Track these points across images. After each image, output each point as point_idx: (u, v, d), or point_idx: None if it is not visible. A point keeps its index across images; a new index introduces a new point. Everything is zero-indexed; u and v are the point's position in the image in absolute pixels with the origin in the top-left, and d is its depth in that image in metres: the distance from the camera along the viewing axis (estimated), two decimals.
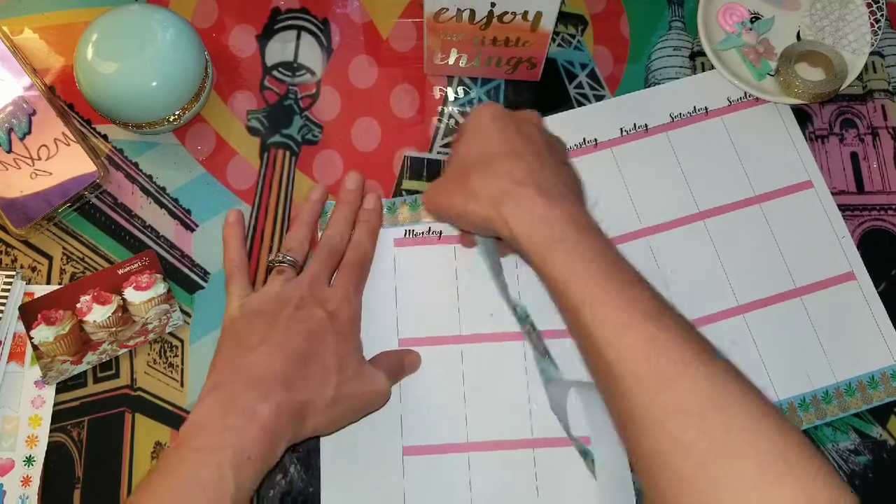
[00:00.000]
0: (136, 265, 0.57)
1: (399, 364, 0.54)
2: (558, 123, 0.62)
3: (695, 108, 0.63)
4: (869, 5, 0.63)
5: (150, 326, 0.57)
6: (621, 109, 0.63)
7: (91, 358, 0.56)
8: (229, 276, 0.54)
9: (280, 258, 0.54)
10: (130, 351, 0.57)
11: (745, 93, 0.63)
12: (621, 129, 0.62)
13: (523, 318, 0.56)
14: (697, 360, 0.39)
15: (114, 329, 0.56)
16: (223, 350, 0.50)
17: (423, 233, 0.59)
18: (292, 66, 0.64)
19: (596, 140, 0.62)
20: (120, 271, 0.57)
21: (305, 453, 0.55)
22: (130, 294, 0.57)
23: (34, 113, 0.60)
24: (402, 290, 0.58)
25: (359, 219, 0.57)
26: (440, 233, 0.59)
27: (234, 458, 0.42)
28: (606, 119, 0.62)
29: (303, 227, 0.56)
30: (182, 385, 0.56)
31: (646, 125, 0.62)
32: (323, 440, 0.54)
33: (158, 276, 0.57)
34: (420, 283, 0.58)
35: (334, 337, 0.49)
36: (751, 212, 0.59)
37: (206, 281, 0.59)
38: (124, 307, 0.57)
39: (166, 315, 0.57)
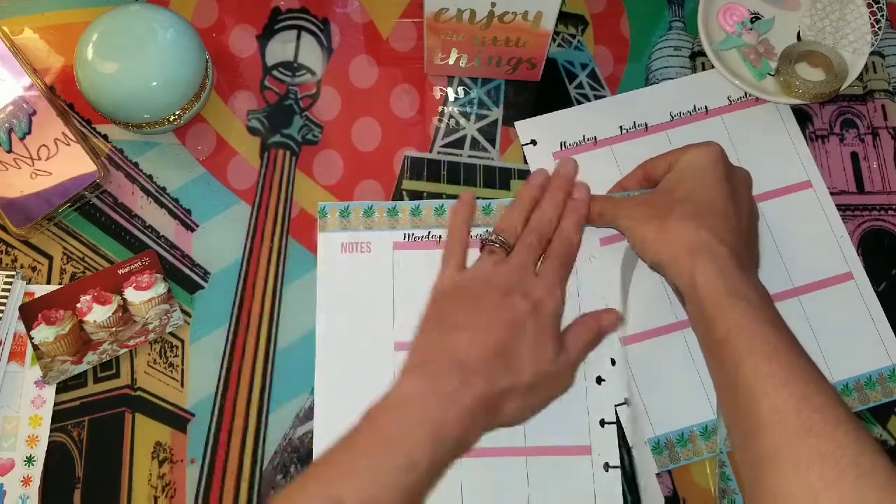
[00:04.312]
0: (136, 265, 0.57)
1: (596, 332, 0.53)
2: (558, 121, 0.62)
3: (695, 107, 0.63)
4: (869, 6, 0.63)
5: (150, 326, 0.57)
6: (621, 107, 0.63)
7: (91, 358, 0.56)
8: (450, 247, 0.54)
9: (493, 237, 0.53)
10: (130, 351, 0.57)
11: (745, 92, 0.63)
12: (621, 127, 0.62)
13: None
14: (847, 422, 0.41)
15: (114, 329, 0.56)
16: (429, 324, 0.50)
17: (422, 236, 0.59)
18: (292, 66, 0.64)
19: (595, 138, 0.62)
20: (120, 271, 0.57)
21: (306, 453, 0.55)
22: (131, 294, 0.57)
23: (34, 113, 0.60)
24: (399, 293, 0.58)
25: (567, 208, 0.55)
26: (440, 237, 0.59)
27: (433, 435, 0.44)
28: (606, 117, 0.62)
29: (520, 210, 0.55)
30: (182, 385, 0.57)
31: (645, 124, 0.62)
32: (316, 444, 0.54)
33: (159, 276, 0.57)
34: (418, 287, 0.57)
35: (535, 331, 0.49)
36: None
37: (206, 281, 0.59)
38: (124, 307, 0.57)
39: (167, 315, 0.57)
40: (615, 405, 0.55)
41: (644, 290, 0.58)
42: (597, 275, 0.58)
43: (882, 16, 0.63)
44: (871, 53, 0.63)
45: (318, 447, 0.54)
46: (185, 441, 0.55)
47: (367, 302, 0.57)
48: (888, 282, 0.59)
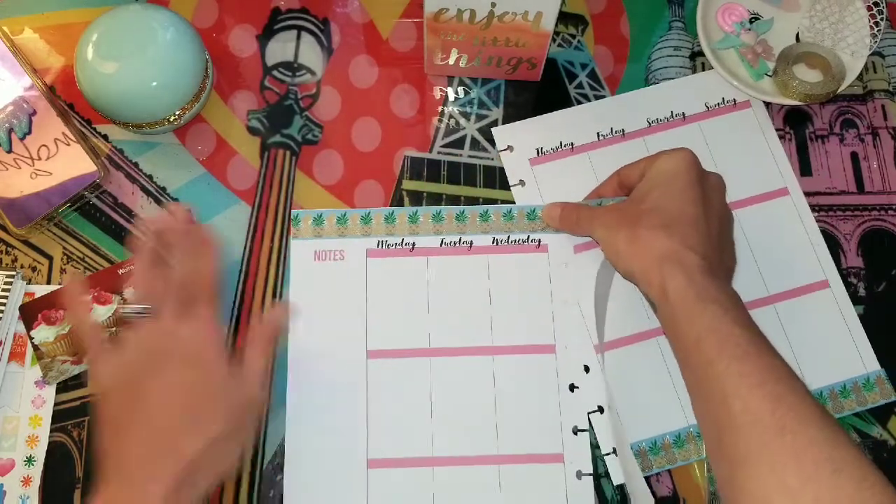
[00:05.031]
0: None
1: (267, 339, 0.49)
2: (535, 127, 0.62)
3: (672, 113, 0.62)
4: (869, 8, 0.63)
5: None
6: (599, 114, 0.62)
7: None
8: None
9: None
10: None
11: (723, 98, 0.63)
12: (598, 133, 0.62)
13: None
14: (820, 422, 0.41)
15: (114, 329, 0.56)
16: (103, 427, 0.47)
17: (395, 244, 0.59)
18: (292, 66, 0.64)
19: (573, 144, 0.62)
20: (120, 271, 0.57)
21: None
22: (131, 294, 0.57)
23: (34, 113, 0.60)
24: (372, 302, 0.57)
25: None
26: (413, 244, 0.59)
27: None
28: (584, 123, 0.62)
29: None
30: None
31: (623, 130, 0.62)
32: (287, 449, 0.54)
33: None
34: (391, 296, 0.57)
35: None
36: None
37: None
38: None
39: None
40: (588, 413, 0.55)
41: (620, 297, 0.58)
42: (570, 280, 0.58)
43: (882, 18, 0.63)
44: (872, 54, 0.63)
45: (290, 453, 0.54)
46: None
47: (339, 310, 0.57)
48: (888, 282, 0.59)
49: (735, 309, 0.46)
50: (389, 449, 0.54)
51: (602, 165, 0.60)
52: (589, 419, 0.55)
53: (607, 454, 0.54)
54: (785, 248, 0.59)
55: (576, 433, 0.55)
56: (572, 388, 0.55)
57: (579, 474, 0.54)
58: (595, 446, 0.55)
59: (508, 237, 0.59)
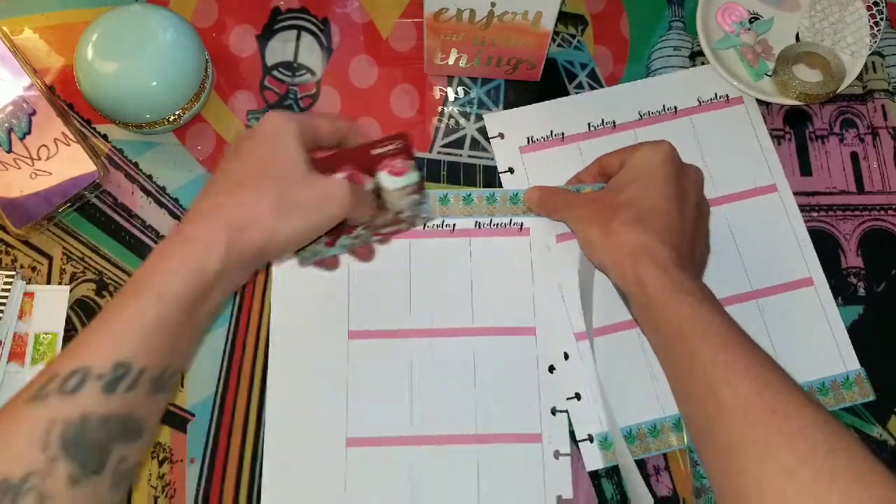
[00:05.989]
0: (389, 148, 0.49)
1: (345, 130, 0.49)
2: (527, 115, 0.62)
3: (664, 106, 0.63)
4: (869, 8, 0.63)
5: (402, 215, 0.53)
6: (591, 105, 0.63)
7: (345, 241, 0.53)
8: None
9: None
10: None
11: (716, 94, 0.63)
12: (589, 124, 0.62)
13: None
14: (810, 405, 0.41)
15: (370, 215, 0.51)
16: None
17: None
18: (292, 66, 0.64)
19: (563, 134, 0.62)
20: (373, 151, 0.50)
21: None
22: (385, 179, 0.50)
23: (34, 113, 0.60)
24: (354, 283, 0.58)
25: None
26: None
27: (154, 274, 0.41)
28: (575, 113, 0.62)
29: None
30: (182, 385, 0.56)
31: (614, 122, 0.62)
32: (267, 426, 0.54)
33: (411, 162, 0.50)
34: (373, 276, 0.58)
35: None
36: (712, 212, 0.58)
37: None
38: (378, 194, 0.51)
39: (417, 206, 0.53)
40: (566, 398, 0.55)
41: (598, 287, 0.58)
42: (552, 264, 0.58)
43: (881, 18, 0.63)
44: (871, 54, 0.63)
45: (269, 430, 0.55)
46: (184, 441, 0.55)
47: (321, 289, 0.57)
48: (888, 282, 0.59)
49: (710, 300, 0.46)
50: (368, 428, 0.55)
51: (591, 156, 0.60)
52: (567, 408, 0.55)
53: (582, 440, 0.55)
54: (770, 244, 0.59)
55: (554, 413, 0.55)
56: (552, 369, 0.56)
57: (557, 454, 0.54)
58: (571, 433, 0.55)
59: (491, 220, 0.59)
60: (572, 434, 0.55)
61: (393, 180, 0.50)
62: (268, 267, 0.59)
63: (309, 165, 0.46)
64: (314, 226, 0.45)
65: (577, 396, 0.55)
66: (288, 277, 0.58)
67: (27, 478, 0.35)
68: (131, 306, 0.40)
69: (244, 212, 0.43)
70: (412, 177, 0.50)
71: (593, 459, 0.54)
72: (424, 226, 0.58)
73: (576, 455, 0.55)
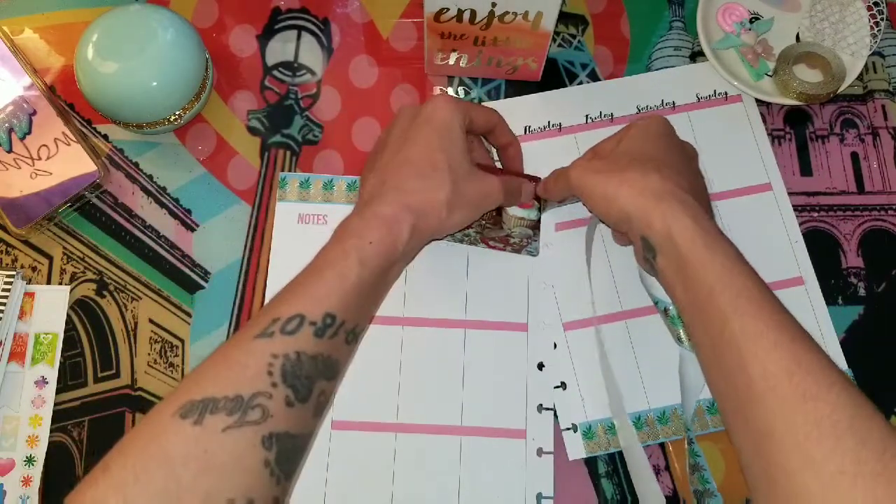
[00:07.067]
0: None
1: (517, 183, 0.56)
2: (525, 105, 0.63)
3: (662, 101, 0.63)
4: (869, 8, 0.63)
5: (511, 239, 0.58)
6: (590, 97, 0.63)
7: (457, 235, 0.58)
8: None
9: None
10: (130, 350, 0.57)
11: (715, 91, 0.63)
12: (587, 116, 0.62)
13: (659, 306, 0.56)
14: (839, 383, 0.40)
15: (484, 222, 0.58)
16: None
17: None
18: (293, 66, 0.64)
19: (560, 125, 0.62)
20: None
21: None
22: (512, 207, 0.58)
23: (34, 113, 0.60)
24: None
25: None
26: None
27: (357, 243, 0.47)
28: (573, 105, 0.63)
29: None
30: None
31: (611, 114, 0.62)
32: None
33: (537, 204, 0.58)
34: None
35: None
36: None
37: (206, 281, 0.59)
38: (499, 211, 0.58)
39: (527, 240, 0.58)
40: (553, 387, 0.56)
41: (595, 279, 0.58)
42: (549, 263, 0.58)
43: (882, 18, 0.63)
44: (872, 54, 0.63)
45: None
46: None
47: None
48: (888, 282, 0.59)
49: (740, 259, 0.45)
50: (354, 412, 0.55)
51: (587, 148, 0.60)
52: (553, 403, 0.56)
53: (566, 429, 0.55)
54: (763, 242, 0.59)
55: (540, 411, 0.55)
56: (540, 366, 0.56)
57: (540, 451, 0.54)
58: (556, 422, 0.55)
59: None
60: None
61: (517, 209, 0.58)
62: (267, 266, 0.59)
63: (472, 161, 0.53)
64: (472, 217, 0.53)
65: (563, 385, 0.56)
66: (285, 259, 0.58)
67: (255, 396, 0.42)
68: (339, 265, 0.47)
69: (426, 201, 0.50)
70: (533, 213, 0.58)
71: (576, 449, 0.55)
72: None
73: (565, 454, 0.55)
